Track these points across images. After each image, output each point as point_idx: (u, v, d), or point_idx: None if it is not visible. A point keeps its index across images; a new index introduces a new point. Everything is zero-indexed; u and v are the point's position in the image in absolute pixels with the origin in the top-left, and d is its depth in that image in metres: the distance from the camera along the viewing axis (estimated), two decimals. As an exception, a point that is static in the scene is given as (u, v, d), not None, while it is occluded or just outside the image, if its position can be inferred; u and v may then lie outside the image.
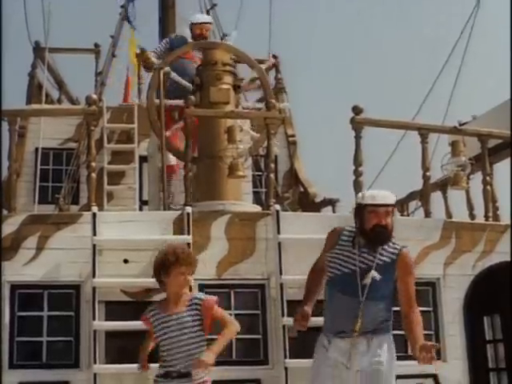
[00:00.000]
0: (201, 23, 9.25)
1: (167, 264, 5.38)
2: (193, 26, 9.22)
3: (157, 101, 8.13)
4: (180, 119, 8.12)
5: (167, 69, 8.35)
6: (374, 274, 5.31)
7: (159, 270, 5.45)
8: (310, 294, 5.68)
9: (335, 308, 5.43)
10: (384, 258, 5.39)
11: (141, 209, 9.42)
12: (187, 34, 9.29)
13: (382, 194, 5.44)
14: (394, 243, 5.46)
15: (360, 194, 5.62)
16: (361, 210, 5.44)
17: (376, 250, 5.39)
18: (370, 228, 5.37)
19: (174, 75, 8.50)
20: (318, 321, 5.68)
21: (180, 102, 8.05)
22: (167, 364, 5.36)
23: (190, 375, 5.27)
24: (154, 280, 6.29)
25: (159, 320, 5.43)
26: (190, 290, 5.80)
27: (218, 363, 5.42)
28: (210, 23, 9.52)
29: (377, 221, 5.36)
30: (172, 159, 8.60)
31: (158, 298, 6.42)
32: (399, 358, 5.58)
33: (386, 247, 5.42)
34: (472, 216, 8.62)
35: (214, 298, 5.50)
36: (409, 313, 5.37)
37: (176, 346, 5.33)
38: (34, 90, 10.97)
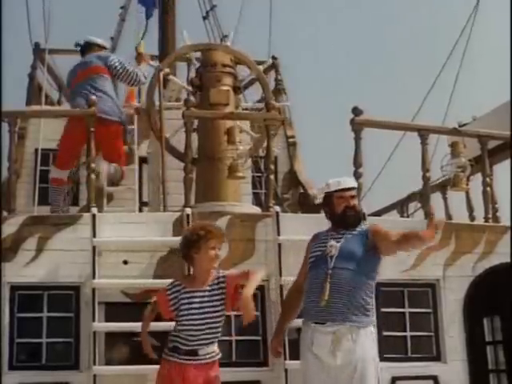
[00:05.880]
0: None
1: (198, 239, 5.35)
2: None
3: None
4: None
5: (167, 70, 8.35)
6: (332, 242, 5.44)
7: (189, 246, 5.40)
8: (283, 321, 5.77)
9: (309, 289, 5.45)
10: (353, 232, 5.54)
11: (140, 210, 9.41)
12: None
13: (345, 180, 5.71)
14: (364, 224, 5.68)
15: (324, 185, 5.80)
16: (329, 198, 5.67)
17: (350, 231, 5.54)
18: (341, 211, 5.59)
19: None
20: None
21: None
22: (179, 340, 5.31)
23: (197, 354, 5.27)
24: (154, 281, 6.30)
25: (182, 295, 5.36)
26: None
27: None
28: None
29: (346, 204, 5.59)
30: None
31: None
32: (399, 360, 5.57)
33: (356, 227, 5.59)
34: (472, 217, 8.62)
35: (235, 271, 5.56)
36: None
37: (192, 324, 5.29)
38: (34, 91, 10.96)
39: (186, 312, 5.33)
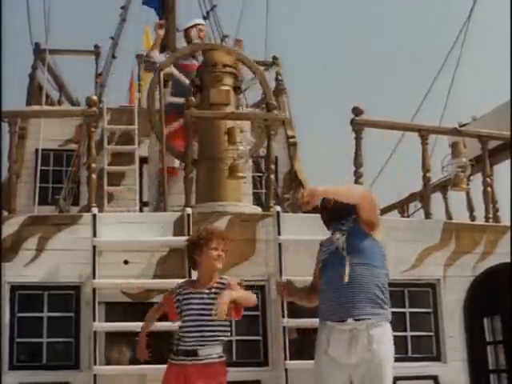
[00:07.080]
0: (196, 25, 9.33)
1: (199, 240, 5.43)
2: (190, 29, 9.28)
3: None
4: (181, 117, 8.08)
5: (168, 70, 8.36)
6: (338, 235, 5.45)
7: (192, 248, 5.48)
8: (302, 289, 5.75)
9: (327, 289, 5.39)
10: (350, 223, 5.52)
11: (141, 210, 9.43)
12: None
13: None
14: None
15: None
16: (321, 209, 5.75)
17: (347, 220, 5.53)
18: (322, 207, 5.68)
19: (176, 73, 8.57)
20: (317, 322, 5.66)
21: (181, 100, 8.06)
22: (181, 342, 5.33)
23: (197, 354, 5.26)
24: (154, 281, 6.29)
25: (184, 296, 5.41)
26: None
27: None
28: (203, 24, 9.64)
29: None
30: (175, 162, 8.70)
31: (158, 299, 6.45)
32: (399, 360, 5.53)
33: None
34: (472, 217, 8.62)
35: (238, 279, 5.48)
36: None
37: (191, 325, 5.31)
38: (35, 91, 10.98)
39: (185, 313, 5.38)
